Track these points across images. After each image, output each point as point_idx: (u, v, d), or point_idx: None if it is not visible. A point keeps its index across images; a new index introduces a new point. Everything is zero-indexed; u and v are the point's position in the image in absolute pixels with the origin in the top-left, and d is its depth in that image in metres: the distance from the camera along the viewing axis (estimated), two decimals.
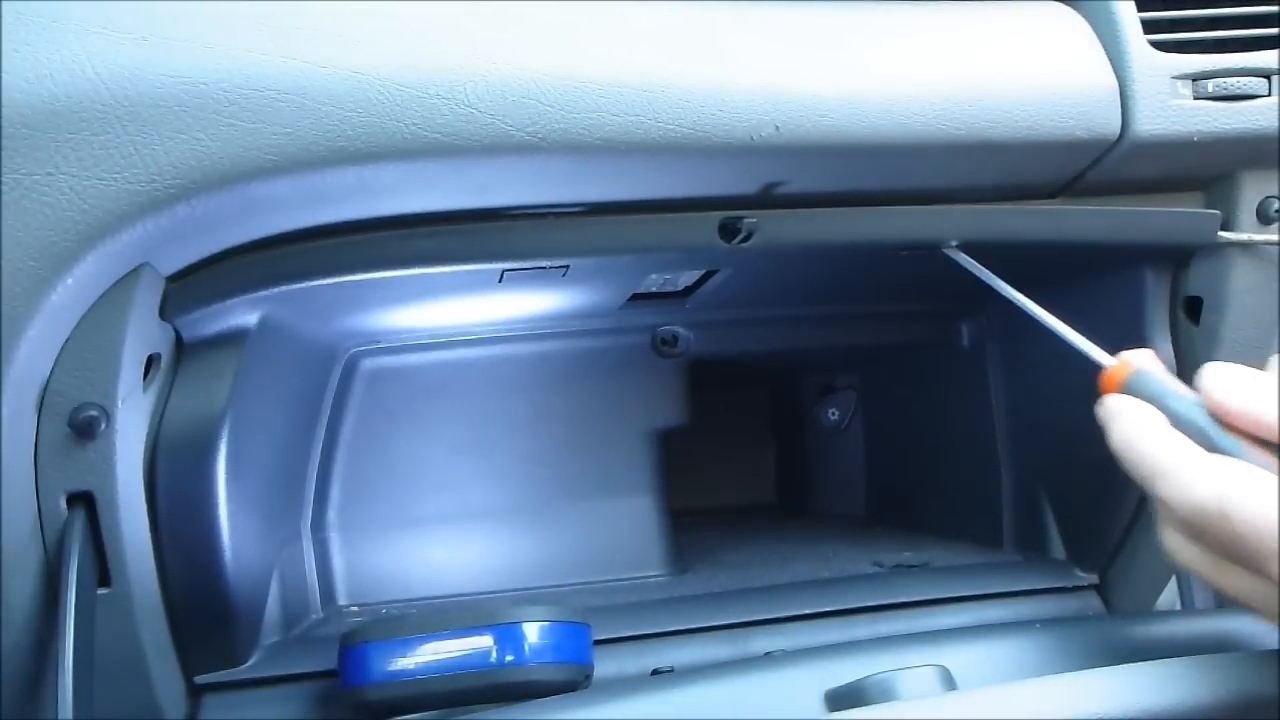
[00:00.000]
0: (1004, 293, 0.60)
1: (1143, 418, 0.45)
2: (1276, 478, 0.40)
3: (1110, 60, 0.60)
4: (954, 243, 0.62)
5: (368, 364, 0.75)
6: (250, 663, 0.60)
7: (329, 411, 0.73)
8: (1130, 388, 0.47)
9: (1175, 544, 0.44)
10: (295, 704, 0.59)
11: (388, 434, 0.76)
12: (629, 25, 0.54)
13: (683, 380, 0.83)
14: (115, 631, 0.51)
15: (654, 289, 0.73)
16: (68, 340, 0.49)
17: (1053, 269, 0.68)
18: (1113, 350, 0.51)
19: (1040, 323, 0.58)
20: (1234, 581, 0.42)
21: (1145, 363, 0.48)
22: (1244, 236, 0.64)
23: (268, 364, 0.60)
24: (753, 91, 0.54)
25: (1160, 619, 0.67)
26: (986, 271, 0.61)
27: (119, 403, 0.50)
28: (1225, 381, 0.44)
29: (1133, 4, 0.61)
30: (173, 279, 0.53)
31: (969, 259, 0.62)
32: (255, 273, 0.55)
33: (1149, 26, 0.61)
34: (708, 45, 0.55)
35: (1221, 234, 0.64)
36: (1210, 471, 0.41)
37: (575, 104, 0.51)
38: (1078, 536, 0.75)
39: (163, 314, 0.53)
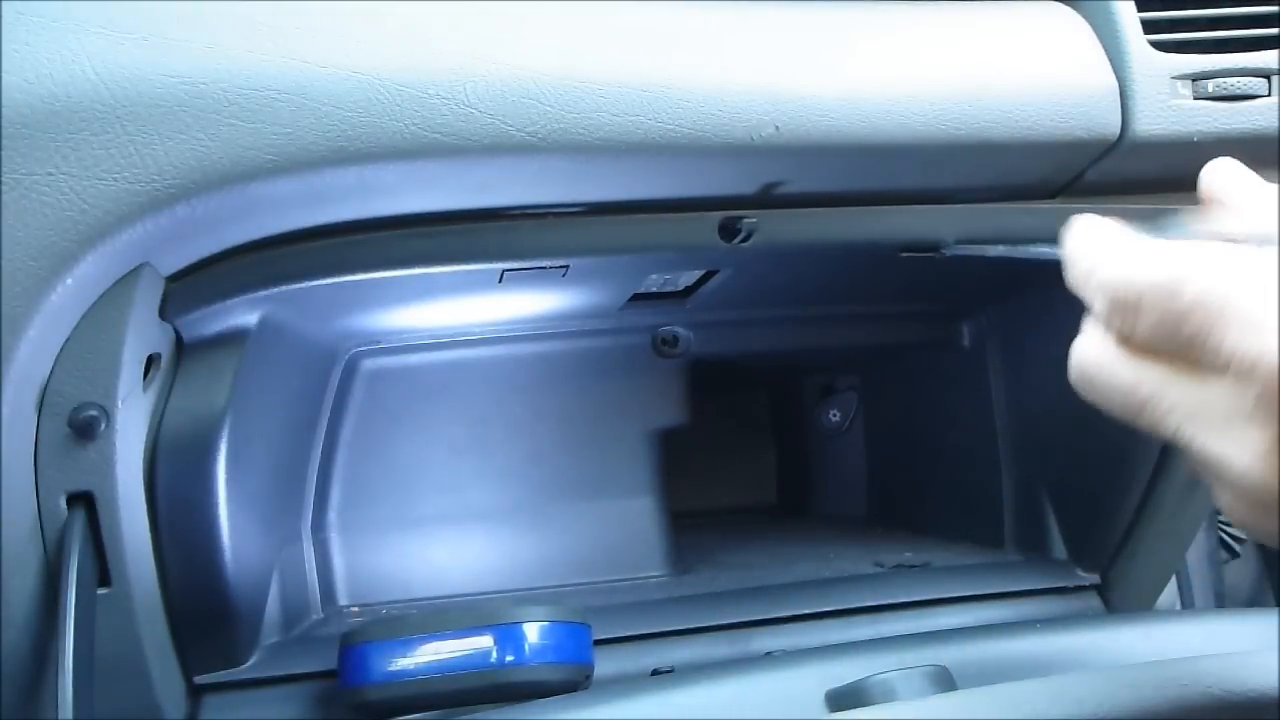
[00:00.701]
0: (1012, 254, 0.58)
1: (1099, 228, 0.41)
2: (1232, 253, 0.35)
3: (1110, 60, 0.60)
4: (953, 241, 0.62)
5: (368, 364, 0.74)
6: (250, 663, 0.59)
7: (329, 412, 0.73)
8: None
9: (1090, 345, 0.39)
10: (295, 704, 0.59)
11: (388, 434, 0.76)
12: (629, 25, 0.54)
13: (683, 381, 0.83)
14: (115, 631, 0.51)
15: (654, 289, 0.73)
16: (68, 340, 0.49)
17: (1054, 269, 0.68)
18: None
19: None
20: (1148, 380, 0.37)
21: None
22: None
23: (268, 364, 0.60)
24: (753, 91, 0.54)
25: (1160, 619, 0.67)
26: (989, 247, 0.60)
27: (119, 403, 0.50)
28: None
29: (1133, 4, 0.61)
30: (173, 279, 0.53)
31: (968, 246, 0.61)
32: (255, 273, 0.55)
33: (1149, 26, 0.61)
34: (707, 45, 0.55)
35: None
36: (1166, 251, 0.36)
37: (575, 104, 0.51)
38: (1079, 537, 0.75)
39: (163, 314, 0.53)
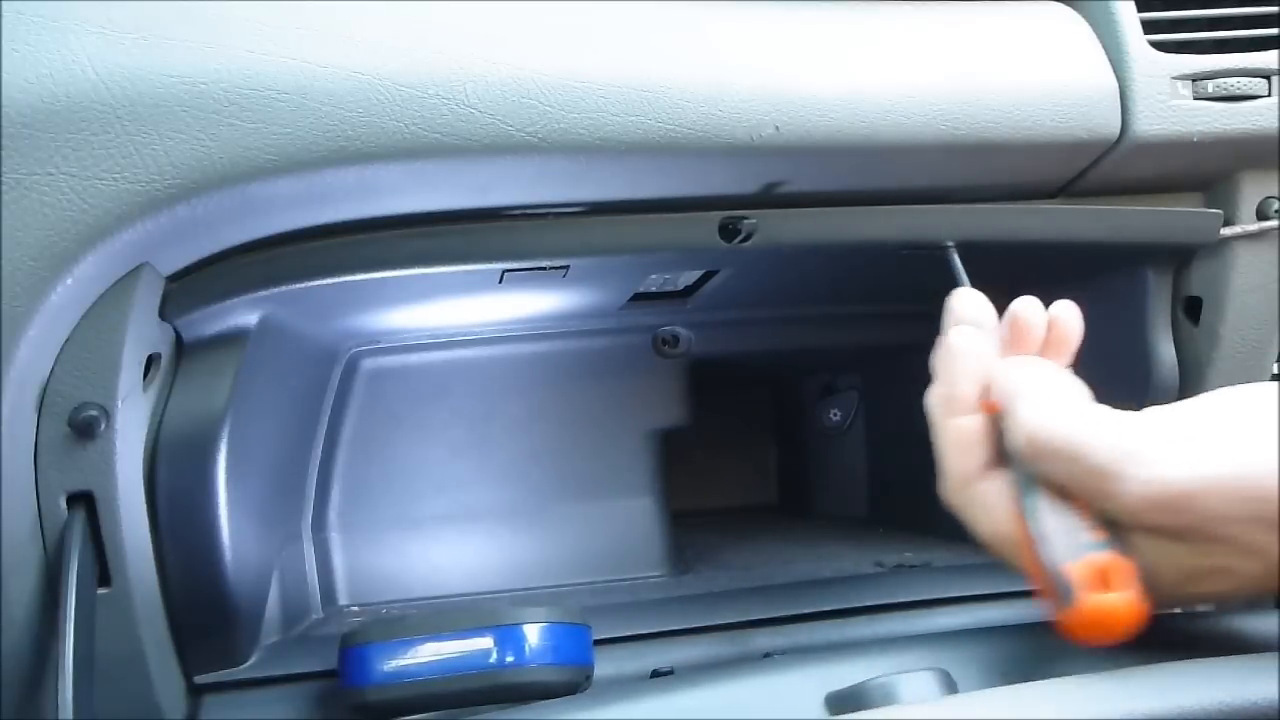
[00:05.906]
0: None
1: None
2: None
3: (1110, 60, 0.60)
4: (950, 244, 0.62)
5: (368, 364, 0.74)
6: (250, 663, 0.59)
7: (329, 412, 0.73)
8: None
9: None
10: (295, 704, 0.59)
11: (388, 434, 0.76)
12: (629, 25, 0.54)
13: (684, 380, 0.83)
14: (115, 631, 0.51)
15: (654, 289, 0.73)
16: (68, 340, 0.49)
17: (1054, 270, 0.68)
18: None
19: None
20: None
21: None
22: (1253, 227, 0.64)
23: (268, 364, 0.60)
24: (753, 91, 0.54)
25: (1160, 620, 0.67)
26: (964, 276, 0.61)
27: (119, 403, 0.50)
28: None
29: (1133, 4, 0.61)
30: (173, 279, 0.53)
31: (957, 263, 0.62)
32: (255, 273, 0.55)
33: (1149, 27, 0.61)
34: (708, 45, 0.55)
35: (1224, 230, 0.64)
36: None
37: (575, 104, 0.51)
38: None
39: (163, 314, 0.53)
